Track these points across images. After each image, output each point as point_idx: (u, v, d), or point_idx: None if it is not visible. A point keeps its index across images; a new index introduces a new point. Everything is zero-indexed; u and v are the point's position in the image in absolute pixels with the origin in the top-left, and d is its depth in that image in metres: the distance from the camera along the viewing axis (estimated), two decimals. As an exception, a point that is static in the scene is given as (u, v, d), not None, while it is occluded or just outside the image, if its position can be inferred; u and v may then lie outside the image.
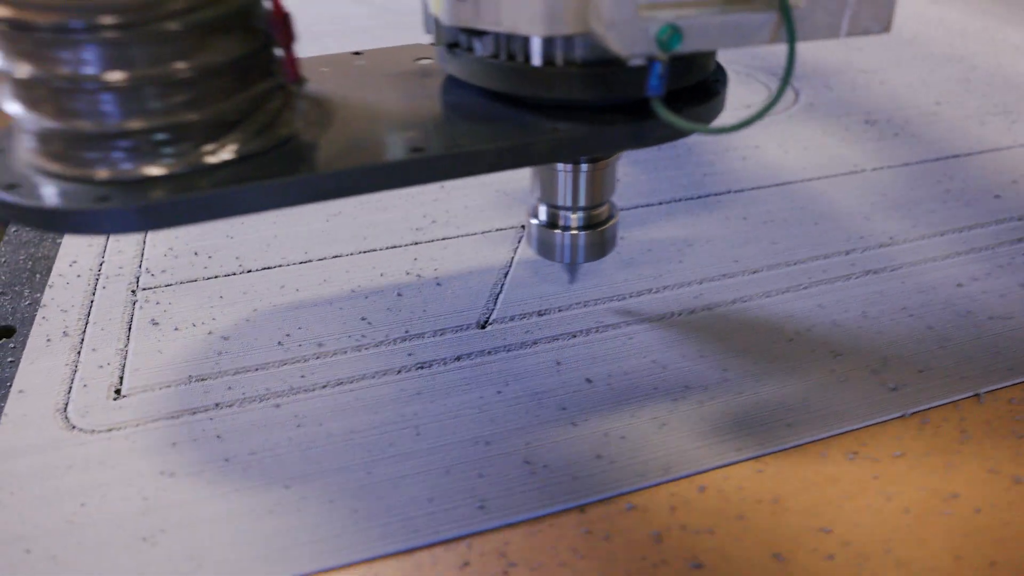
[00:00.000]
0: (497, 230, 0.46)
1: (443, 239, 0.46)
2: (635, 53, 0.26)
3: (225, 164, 0.27)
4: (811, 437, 0.33)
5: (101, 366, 0.39)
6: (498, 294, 0.40)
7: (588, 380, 0.35)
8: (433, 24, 0.32)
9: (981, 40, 0.74)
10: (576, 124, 0.29)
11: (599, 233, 0.37)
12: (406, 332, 0.38)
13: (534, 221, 0.37)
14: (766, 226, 0.46)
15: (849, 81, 0.66)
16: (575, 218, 0.36)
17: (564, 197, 0.35)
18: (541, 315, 0.39)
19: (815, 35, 0.27)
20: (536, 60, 0.29)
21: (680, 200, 0.49)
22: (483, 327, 0.38)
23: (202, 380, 0.37)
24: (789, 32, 0.26)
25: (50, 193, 0.27)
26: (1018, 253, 0.43)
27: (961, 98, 0.62)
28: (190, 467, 0.33)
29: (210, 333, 0.40)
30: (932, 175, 0.51)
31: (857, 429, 0.34)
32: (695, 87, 0.31)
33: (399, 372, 0.36)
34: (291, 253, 0.47)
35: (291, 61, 0.30)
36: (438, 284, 0.42)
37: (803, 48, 0.66)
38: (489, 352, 0.37)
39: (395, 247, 0.45)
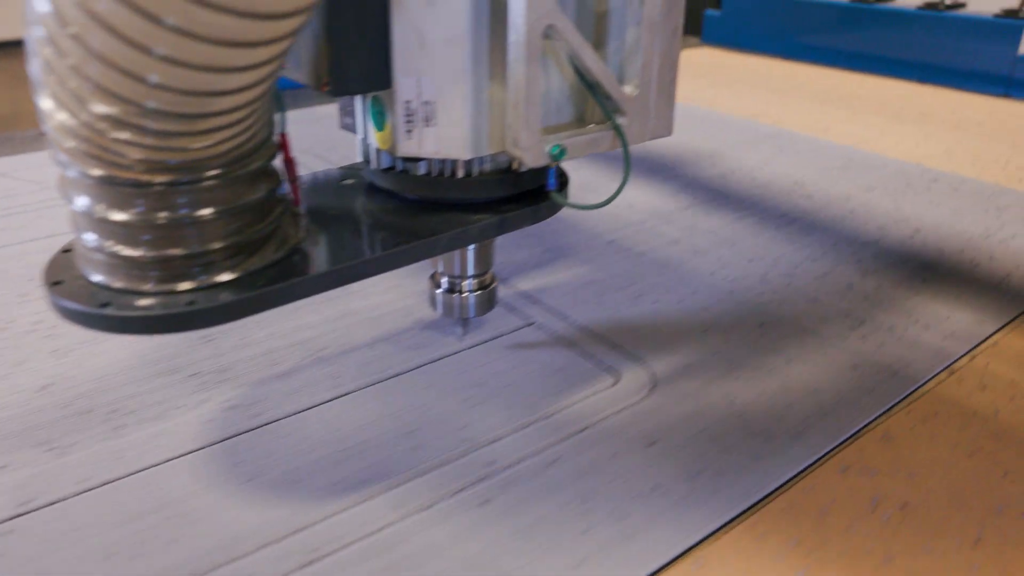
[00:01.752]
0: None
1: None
2: (538, 164, 0.38)
3: (261, 269, 0.36)
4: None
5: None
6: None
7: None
8: (374, 153, 0.42)
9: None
10: (491, 213, 0.41)
11: (487, 293, 0.48)
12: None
13: (438, 290, 0.48)
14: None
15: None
16: (467, 284, 0.48)
17: (459, 268, 0.47)
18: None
19: (633, 141, 0.41)
20: (460, 174, 0.40)
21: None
22: None
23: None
24: (622, 140, 0.42)
25: (142, 304, 0.34)
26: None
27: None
28: None
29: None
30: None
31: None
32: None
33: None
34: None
35: (296, 191, 0.39)
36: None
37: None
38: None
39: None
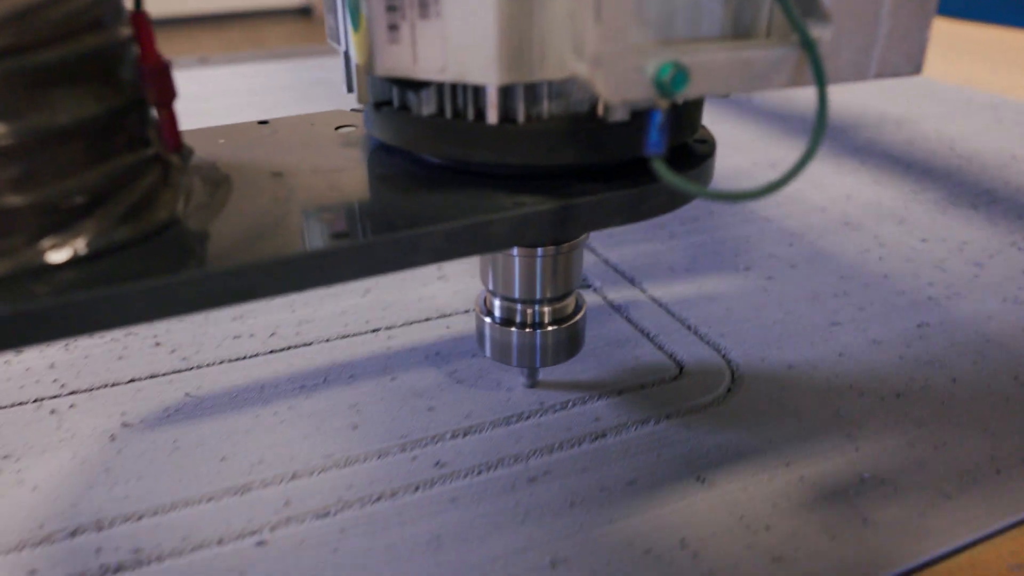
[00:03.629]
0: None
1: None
2: (629, 98, 0.20)
3: (77, 260, 0.20)
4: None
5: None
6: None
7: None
8: (355, 78, 0.26)
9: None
10: (546, 196, 0.23)
11: (566, 330, 0.30)
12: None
13: (487, 319, 0.30)
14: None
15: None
16: (535, 313, 0.30)
17: (522, 288, 0.29)
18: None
19: (840, 77, 0.22)
20: (491, 117, 0.23)
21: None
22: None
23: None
24: (817, 72, 0.21)
25: None
26: None
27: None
28: None
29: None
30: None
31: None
32: (679, 148, 0.26)
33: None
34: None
35: (170, 123, 0.23)
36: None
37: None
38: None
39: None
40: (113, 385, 0.33)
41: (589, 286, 0.40)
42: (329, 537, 0.25)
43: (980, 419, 0.30)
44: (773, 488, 0.27)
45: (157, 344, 0.35)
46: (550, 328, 0.29)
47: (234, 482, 0.27)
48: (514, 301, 0.29)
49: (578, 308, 0.30)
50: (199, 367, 0.34)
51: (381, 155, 0.27)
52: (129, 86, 0.21)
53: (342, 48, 0.25)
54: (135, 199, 0.21)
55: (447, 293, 0.39)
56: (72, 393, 0.32)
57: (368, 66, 0.23)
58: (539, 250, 0.28)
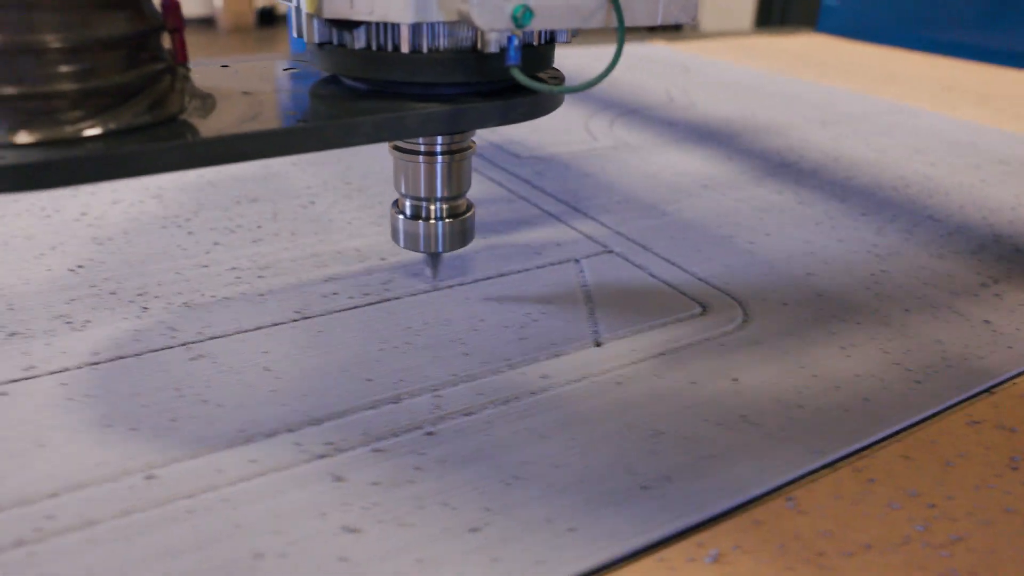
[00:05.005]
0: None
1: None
2: (494, 28, 0.30)
3: (116, 132, 0.29)
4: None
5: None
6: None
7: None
8: (304, 25, 0.35)
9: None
10: (444, 104, 0.33)
11: (460, 222, 0.40)
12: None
13: (400, 216, 0.40)
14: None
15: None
16: (437, 209, 0.40)
17: (426, 189, 0.39)
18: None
19: (637, 20, 0.33)
20: (404, 47, 0.32)
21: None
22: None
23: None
24: (618, 15, 0.32)
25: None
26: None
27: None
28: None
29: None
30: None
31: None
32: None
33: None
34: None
35: (180, 44, 0.32)
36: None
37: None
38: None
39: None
40: (254, 330, 0.39)
41: (611, 251, 0.48)
42: (480, 426, 0.33)
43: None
44: (796, 383, 0.36)
45: (261, 294, 0.42)
46: (448, 220, 0.40)
47: (386, 395, 0.35)
48: (420, 200, 0.39)
49: (468, 208, 0.40)
50: (308, 317, 0.40)
51: (322, 84, 0.37)
52: (152, 15, 0.30)
53: (292, 3, 0.35)
54: (155, 97, 0.30)
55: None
56: (211, 339, 0.38)
57: (317, 12, 0.33)
58: (439, 157, 0.38)
